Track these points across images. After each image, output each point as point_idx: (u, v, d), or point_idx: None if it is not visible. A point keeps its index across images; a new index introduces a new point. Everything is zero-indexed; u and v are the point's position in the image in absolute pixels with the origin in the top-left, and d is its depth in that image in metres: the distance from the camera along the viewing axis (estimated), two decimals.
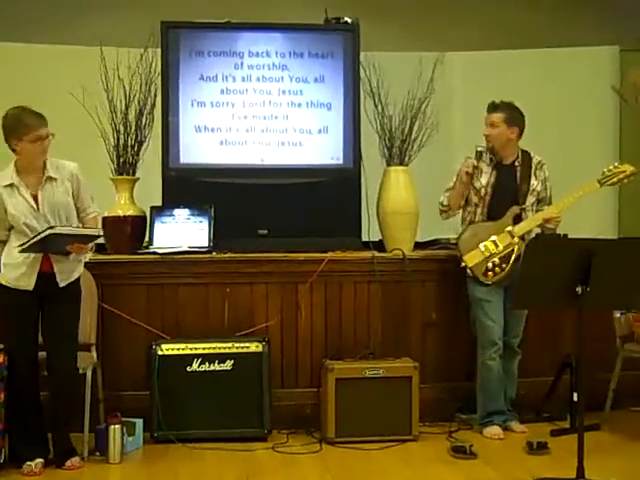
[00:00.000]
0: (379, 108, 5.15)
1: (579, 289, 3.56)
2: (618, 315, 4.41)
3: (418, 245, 5.10)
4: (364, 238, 5.06)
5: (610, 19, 6.98)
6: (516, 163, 4.62)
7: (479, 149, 4.58)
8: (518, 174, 4.60)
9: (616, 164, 4.58)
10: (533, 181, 4.62)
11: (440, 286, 4.77)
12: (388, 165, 5.11)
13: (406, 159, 5.11)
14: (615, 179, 4.53)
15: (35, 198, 3.93)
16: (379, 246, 5.01)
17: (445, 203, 4.64)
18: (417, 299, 4.83)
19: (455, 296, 4.68)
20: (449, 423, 4.62)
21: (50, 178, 3.97)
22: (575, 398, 3.74)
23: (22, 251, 3.85)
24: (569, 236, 4.74)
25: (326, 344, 4.72)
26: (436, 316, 4.81)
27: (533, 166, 4.64)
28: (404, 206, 5.00)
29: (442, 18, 6.54)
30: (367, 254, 4.84)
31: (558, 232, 5.04)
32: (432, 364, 4.78)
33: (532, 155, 4.67)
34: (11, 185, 3.93)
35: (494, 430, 4.50)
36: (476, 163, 4.55)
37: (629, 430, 4.54)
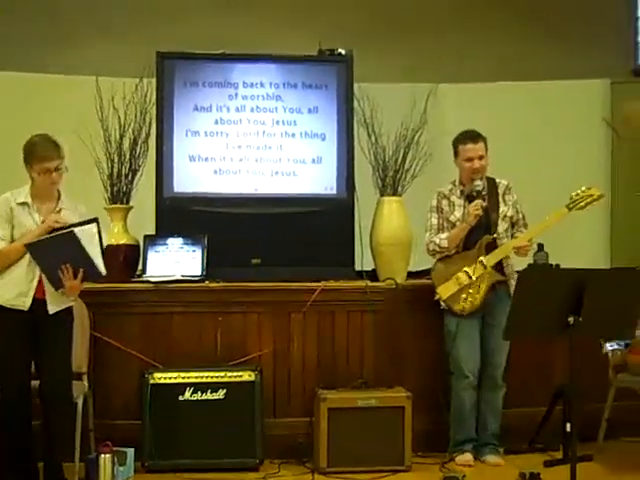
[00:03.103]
0: (372, 138, 5.20)
1: (571, 319, 3.56)
2: (609, 348, 4.39)
3: (411, 275, 5.11)
4: (357, 268, 5.07)
5: (601, 52, 7.06)
6: (484, 192, 4.58)
7: (478, 188, 4.51)
8: (487, 203, 4.53)
9: (583, 188, 4.51)
10: (503, 207, 4.60)
11: (433, 316, 4.75)
12: (381, 195, 5.14)
13: (399, 189, 5.14)
14: (583, 203, 4.48)
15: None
16: (372, 276, 5.02)
17: (445, 245, 4.54)
18: (410, 328, 4.82)
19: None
20: (443, 454, 4.60)
21: (63, 210, 3.98)
22: (568, 429, 3.72)
23: (27, 246, 3.80)
24: (561, 266, 4.80)
25: (319, 374, 4.71)
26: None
27: (500, 192, 4.63)
28: (397, 236, 5.02)
29: (435, 50, 6.60)
30: (360, 284, 4.84)
31: (550, 262, 5.09)
32: (426, 393, 4.75)
33: (497, 181, 4.66)
34: (24, 204, 3.94)
35: (465, 457, 4.50)
36: (484, 204, 4.48)
37: (622, 461, 4.53)
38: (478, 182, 4.52)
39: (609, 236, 6.23)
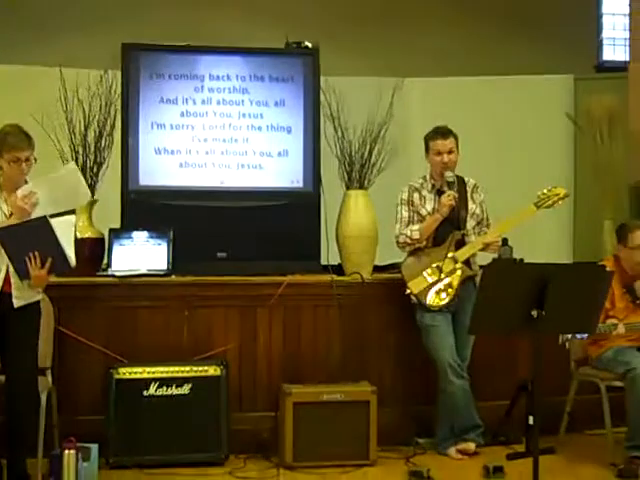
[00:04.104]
0: (339, 132, 5.19)
1: (535, 313, 3.59)
2: (567, 337, 4.43)
3: (377, 269, 5.12)
4: (323, 262, 5.08)
5: (565, 48, 7.15)
6: (455, 186, 4.60)
7: (450, 179, 4.55)
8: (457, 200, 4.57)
9: (550, 187, 4.62)
10: (471, 205, 4.65)
11: (399, 310, 4.78)
12: (347, 189, 5.14)
13: (365, 183, 5.14)
14: (550, 202, 4.59)
15: (11, 216, 3.88)
16: (338, 270, 5.03)
17: (416, 237, 4.56)
18: (376, 323, 4.85)
19: (414, 319, 4.69)
20: (407, 447, 4.63)
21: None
22: (530, 422, 3.76)
23: None
24: (525, 261, 4.84)
25: (285, 368, 4.71)
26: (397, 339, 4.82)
27: (469, 189, 4.69)
28: (363, 230, 5.03)
29: (401, 45, 6.64)
30: (326, 278, 4.85)
31: (514, 257, 5.13)
32: (391, 388, 4.78)
33: (466, 179, 4.71)
34: None
35: (469, 446, 4.53)
36: (456, 194, 4.52)
37: (583, 453, 4.60)
38: (449, 173, 4.56)
39: (572, 231, 6.32)
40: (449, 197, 4.49)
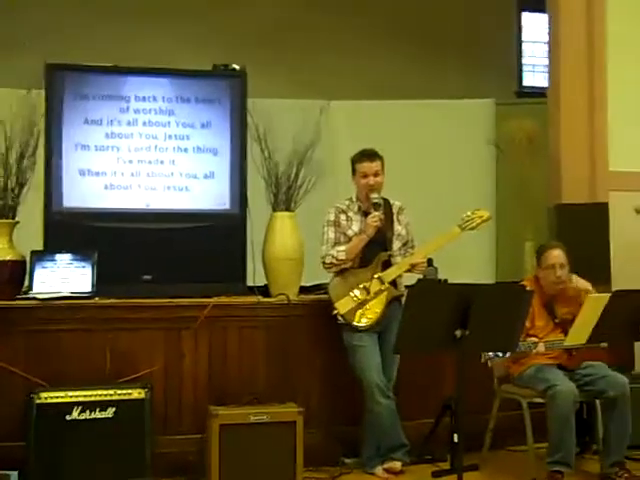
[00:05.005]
0: (265, 154, 5.20)
1: (458, 333, 3.65)
2: (489, 356, 4.49)
3: (303, 290, 5.13)
4: (249, 283, 5.07)
5: (488, 74, 7.33)
6: (381, 207, 4.67)
7: (376, 200, 4.60)
8: (383, 216, 4.64)
9: (474, 210, 4.72)
10: (397, 226, 4.73)
11: (325, 330, 4.80)
12: (274, 210, 5.16)
13: (292, 205, 5.16)
14: (474, 224, 4.69)
15: None
16: (264, 291, 5.03)
17: (342, 257, 4.59)
18: (302, 343, 4.85)
19: (340, 340, 4.72)
20: (334, 468, 4.64)
21: None
22: (455, 439, 3.82)
23: None
24: (449, 281, 4.93)
25: (211, 390, 4.68)
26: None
27: (395, 211, 4.76)
28: (289, 251, 5.04)
29: (328, 67, 6.71)
30: (252, 299, 4.85)
31: (439, 277, 5.22)
32: (317, 408, 4.79)
33: (392, 202, 4.78)
34: None
35: (395, 465, 4.56)
36: (382, 215, 4.57)
37: (506, 469, 4.68)
38: (375, 194, 4.62)
39: (494, 252, 6.45)
40: (374, 218, 4.55)
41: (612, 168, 5.70)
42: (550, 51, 6.01)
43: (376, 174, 4.64)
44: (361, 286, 4.58)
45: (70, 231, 4.88)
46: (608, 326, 4.03)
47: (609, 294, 4.20)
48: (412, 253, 4.74)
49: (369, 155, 4.68)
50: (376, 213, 4.56)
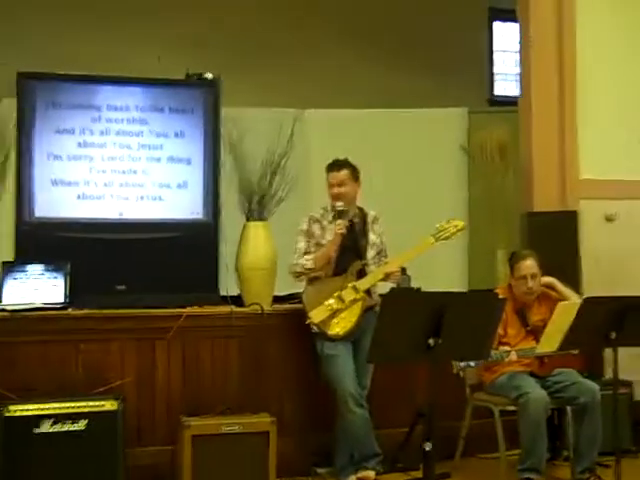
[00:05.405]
0: (239, 163, 5.20)
1: (432, 341, 3.66)
2: (461, 366, 4.51)
3: (277, 299, 5.13)
4: (223, 293, 5.06)
5: (460, 82, 7.38)
6: (355, 219, 4.73)
7: (340, 208, 4.61)
8: (357, 230, 4.70)
9: (448, 219, 4.74)
10: (371, 235, 4.74)
11: (299, 340, 4.80)
12: (247, 220, 5.15)
13: (265, 214, 5.16)
14: (448, 234, 4.69)
15: None
16: (238, 301, 5.01)
17: (309, 266, 4.61)
18: (275, 353, 4.85)
19: (314, 350, 4.73)
20: (307, 477, 4.64)
21: None
22: (427, 448, 3.83)
23: None
24: (422, 290, 4.95)
25: (183, 401, 4.66)
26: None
27: (370, 220, 4.78)
28: (263, 261, 5.04)
29: (301, 76, 6.72)
30: (225, 309, 4.83)
31: (412, 286, 5.25)
32: (290, 418, 4.79)
33: (366, 211, 4.80)
34: None
35: (369, 474, 4.55)
36: (347, 223, 4.59)
37: (478, 477, 4.71)
38: (340, 203, 4.63)
39: (467, 260, 6.48)
40: (339, 226, 4.57)
41: (582, 176, 5.75)
42: (521, 60, 6.06)
43: (341, 184, 4.66)
44: (335, 295, 4.57)
45: (42, 241, 4.86)
46: (579, 333, 4.06)
47: (579, 301, 4.25)
48: (387, 262, 4.75)
49: (337, 165, 4.70)
50: (340, 221, 4.58)
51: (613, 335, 4.00)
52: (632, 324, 4.00)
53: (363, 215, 4.78)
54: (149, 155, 5.14)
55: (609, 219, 5.77)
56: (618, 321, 3.99)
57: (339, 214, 4.61)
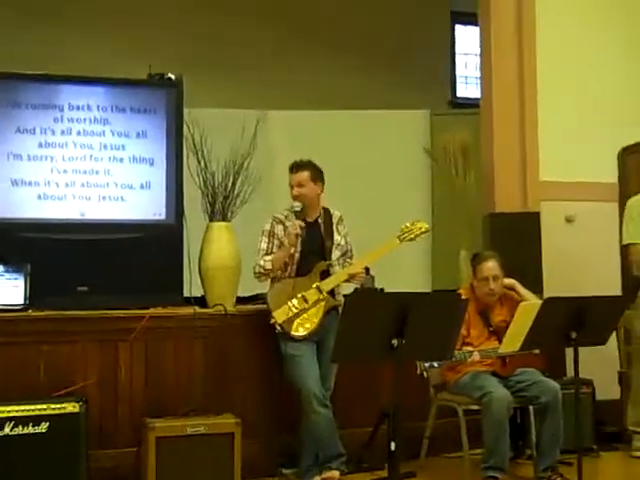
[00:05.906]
0: (202, 164, 5.17)
1: (395, 341, 3.67)
2: (425, 366, 4.53)
3: (240, 300, 5.12)
4: (186, 294, 5.03)
5: (423, 84, 7.43)
6: (319, 220, 4.74)
7: (297, 209, 4.64)
8: (322, 230, 4.73)
9: (413, 221, 4.79)
10: (336, 236, 4.76)
11: (262, 340, 4.79)
12: (210, 221, 5.13)
13: (229, 215, 5.15)
14: (412, 235, 4.75)
15: None
16: (201, 302, 5.00)
17: (268, 267, 4.62)
18: (239, 354, 4.84)
19: (278, 350, 4.71)
20: (272, 478, 4.63)
21: None
22: (392, 447, 3.85)
23: None
24: (386, 290, 4.97)
25: (147, 402, 4.63)
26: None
27: (335, 221, 4.80)
28: (226, 262, 5.02)
29: (265, 78, 6.72)
30: (189, 310, 4.81)
31: (376, 286, 5.27)
32: (254, 419, 4.78)
33: (332, 211, 4.82)
34: None
35: (333, 474, 4.55)
36: (303, 224, 4.60)
37: (443, 476, 4.75)
38: (296, 203, 4.65)
39: (430, 260, 6.53)
40: (294, 227, 4.58)
41: (543, 178, 5.82)
42: (482, 63, 6.12)
43: (300, 185, 4.67)
44: (299, 295, 4.58)
45: (2, 242, 4.78)
46: (540, 333, 4.10)
47: (540, 301, 4.30)
48: (351, 263, 4.77)
49: (294, 166, 4.73)
50: (295, 221, 4.60)
51: (574, 335, 4.04)
52: (592, 323, 4.06)
53: (329, 216, 4.79)
54: (111, 155, 5.08)
55: (569, 220, 5.86)
56: (578, 321, 4.04)
57: (296, 215, 4.64)
